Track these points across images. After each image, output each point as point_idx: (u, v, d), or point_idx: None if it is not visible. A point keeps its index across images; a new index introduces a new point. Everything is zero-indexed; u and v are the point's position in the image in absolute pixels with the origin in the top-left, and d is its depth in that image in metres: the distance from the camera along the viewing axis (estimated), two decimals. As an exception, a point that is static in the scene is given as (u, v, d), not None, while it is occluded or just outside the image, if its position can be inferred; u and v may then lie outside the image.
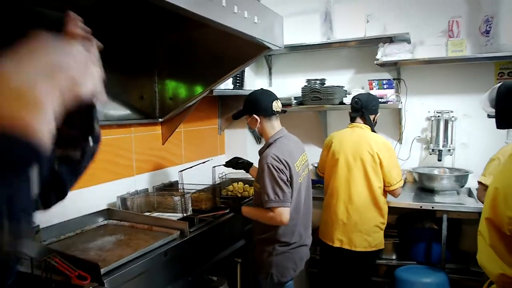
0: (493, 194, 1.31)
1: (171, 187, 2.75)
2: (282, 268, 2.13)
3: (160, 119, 2.76)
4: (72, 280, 1.37)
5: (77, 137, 0.93)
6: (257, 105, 2.16)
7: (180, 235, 2.01)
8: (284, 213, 2.00)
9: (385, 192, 2.56)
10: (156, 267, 1.82)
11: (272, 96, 2.19)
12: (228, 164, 2.57)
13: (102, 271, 1.52)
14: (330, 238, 2.55)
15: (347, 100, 3.07)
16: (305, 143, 3.23)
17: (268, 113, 2.15)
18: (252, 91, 2.27)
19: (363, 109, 2.57)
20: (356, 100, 2.60)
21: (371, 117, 2.60)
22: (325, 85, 3.27)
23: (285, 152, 2.08)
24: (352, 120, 2.64)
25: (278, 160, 2.01)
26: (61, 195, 0.99)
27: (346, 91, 3.27)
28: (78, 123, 0.90)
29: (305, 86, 3.29)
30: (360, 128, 2.58)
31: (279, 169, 2.00)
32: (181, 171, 2.63)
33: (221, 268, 2.30)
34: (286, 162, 2.04)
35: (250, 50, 2.37)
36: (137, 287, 1.72)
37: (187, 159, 3.10)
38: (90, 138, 0.94)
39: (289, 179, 2.04)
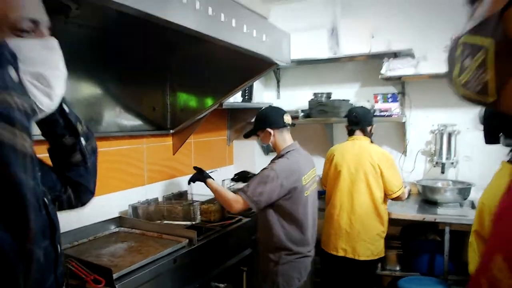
0: (480, 208, 1.40)
1: (180, 197, 2.84)
2: (287, 277, 2.19)
3: (171, 130, 2.86)
4: (88, 283, 1.46)
5: (68, 144, 1.04)
6: (269, 119, 2.27)
7: (188, 243, 2.09)
8: (241, 204, 2.09)
9: (385, 201, 2.66)
10: (165, 274, 1.90)
11: (281, 110, 2.32)
12: (238, 177, 2.65)
13: (115, 276, 1.61)
14: (334, 248, 2.62)
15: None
16: (312, 155, 3.31)
17: (280, 125, 2.25)
18: (261, 107, 2.40)
19: (362, 122, 2.69)
20: (355, 114, 2.72)
21: (368, 128, 2.73)
22: (331, 99, 3.35)
23: (294, 164, 2.18)
24: (351, 133, 2.75)
25: (284, 175, 2.09)
26: (88, 193, 1.09)
27: (352, 104, 3.34)
28: (61, 130, 1.00)
29: (312, 99, 3.38)
30: (360, 140, 2.69)
31: (279, 183, 2.07)
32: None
33: (227, 276, 2.37)
34: (292, 176, 2.12)
35: (259, 65, 2.47)
36: (148, 292, 1.80)
37: (196, 169, 3.19)
38: (81, 139, 1.03)
39: (283, 193, 2.11)
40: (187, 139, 2.93)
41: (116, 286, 1.59)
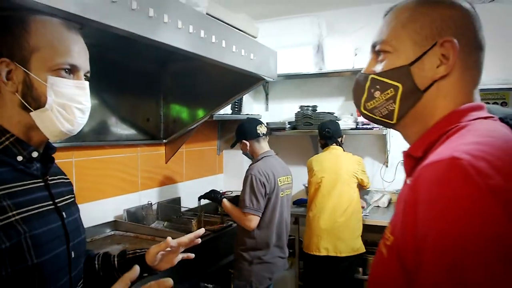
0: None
1: (173, 203, 3.00)
2: (260, 276, 2.38)
3: (164, 140, 3.02)
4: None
5: None
6: (244, 131, 2.53)
7: (179, 245, 2.24)
8: (253, 220, 2.32)
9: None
10: (157, 273, 2.04)
11: (255, 122, 2.59)
12: (204, 196, 2.73)
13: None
14: (316, 248, 2.82)
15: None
16: (297, 164, 3.50)
17: (254, 136, 2.50)
18: (244, 119, 2.61)
19: (335, 136, 3.00)
20: (327, 130, 3.00)
21: (339, 139, 3.04)
22: (316, 111, 3.54)
23: (270, 166, 2.42)
24: (325, 145, 3.04)
25: (261, 173, 2.34)
26: None
27: (337, 117, 3.53)
28: None
29: (298, 111, 3.56)
30: (336, 149, 3.00)
31: (260, 181, 2.31)
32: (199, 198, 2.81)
33: (216, 277, 2.53)
34: (268, 175, 2.36)
35: (247, 80, 2.63)
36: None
37: (188, 177, 3.36)
38: None
39: (267, 191, 2.35)
40: (179, 149, 3.09)
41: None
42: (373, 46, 0.83)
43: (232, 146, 2.72)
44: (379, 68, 0.80)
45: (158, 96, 3.02)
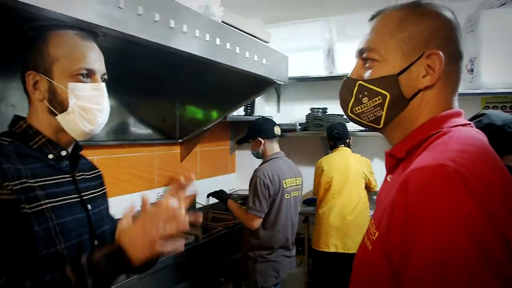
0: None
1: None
2: (265, 274, 2.43)
3: (179, 140, 3.16)
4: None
5: None
6: (261, 130, 2.59)
7: (194, 239, 2.37)
8: (255, 220, 2.40)
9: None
10: (173, 265, 2.18)
11: (273, 122, 2.65)
12: (212, 195, 2.87)
13: (132, 263, 1.89)
14: (326, 245, 2.94)
15: (348, 127, 3.45)
16: (307, 165, 3.61)
17: (270, 135, 2.57)
18: (256, 119, 2.69)
19: (343, 137, 3.12)
20: (336, 131, 3.13)
21: (348, 141, 3.16)
22: (326, 113, 3.65)
23: (276, 169, 2.47)
24: (334, 146, 3.15)
25: (265, 176, 2.40)
26: None
27: (346, 119, 3.62)
28: None
29: (309, 113, 3.67)
30: (344, 151, 3.11)
31: (264, 183, 2.37)
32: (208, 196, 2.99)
33: (228, 271, 2.65)
34: (273, 177, 2.41)
35: (260, 83, 2.74)
36: (159, 280, 2.08)
37: (201, 176, 3.49)
38: None
39: (271, 194, 2.39)
40: (193, 148, 3.23)
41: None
42: (360, 52, 0.87)
43: (239, 143, 2.76)
44: (367, 74, 0.84)
45: (174, 98, 3.15)
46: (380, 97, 0.82)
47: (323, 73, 3.60)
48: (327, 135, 3.20)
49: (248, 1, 3.27)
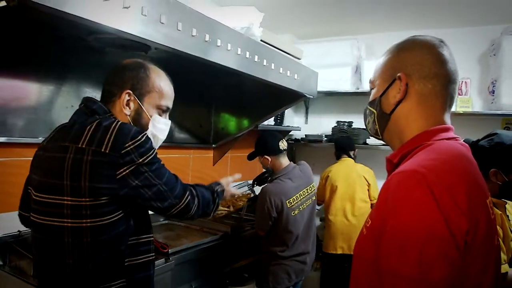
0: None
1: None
2: (277, 276, 2.52)
3: (213, 145, 3.41)
4: (158, 248, 2.00)
5: None
6: (267, 147, 2.60)
7: (224, 235, 2.59)
8: (259, 231, 2.56)
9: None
10: (204, 257, 2.39)
11: (278, 137, 2.62)
12: (257, 181, 3.03)
13: (170, 250, 2.13)
14: (333, 248, 3.23)
15: (370, 141, 3.63)
16: (331, 174, 3.79)
17: (277, 151, 2.58)
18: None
19: (345, 148, 3.48)
20: (339, 143, 3.56)
21: (351, 152, 3.47)
22: (352, 127, 3.83)
23: (280, 191, 2.48)
24: (339, 156, 3.47)
25: (267, 199, 2.43)
26: None
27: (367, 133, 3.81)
28: None
29: (335, 126, 3.87)
30: (347, 160, 3.44)
31: (265, 206, 2.43)
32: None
33: (253, 268, 2.85)
34: (275, 201, 2.44)
35: (290, 96, 2.95)
36: (191, 268, 2.31)
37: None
38: None
39: (272, 215, 2.44)
40: (225, 153, 3.47)
41: (170, 258, 2.11)
42: (369, 82, 1.12)
43: (250, 159, 2.78)
44: (370, 99, 1.09)
45: (210, 105, 3.41)
46: (373, 114, 1.07)
47: (350, 88, 3.80)
48: (334, 146, 3.56)
49: (283, 18, 3.51)
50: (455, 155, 0.89)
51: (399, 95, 0.98)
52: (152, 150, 1.27)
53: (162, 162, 1.34)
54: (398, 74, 0.97)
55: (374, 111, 1.05)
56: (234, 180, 1.96)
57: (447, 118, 0.99)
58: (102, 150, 1.17)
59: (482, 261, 0.83)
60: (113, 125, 1.22)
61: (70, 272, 1.20)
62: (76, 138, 1.20)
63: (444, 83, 0.96)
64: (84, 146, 1.18)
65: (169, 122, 1.46)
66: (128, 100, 1.34)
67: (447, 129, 0.96)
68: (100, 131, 1.20)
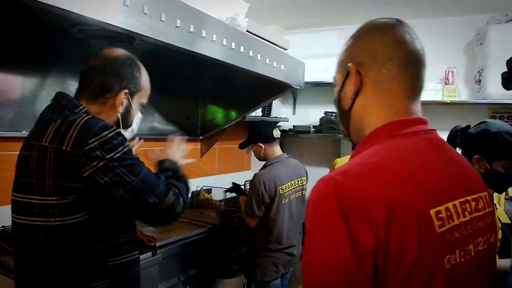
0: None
1: (209, 192, 3.36)
2: (264, 269, 2.54)
3: (200, 137, 3.39)
4: (145, 242, 1.99)
5: None
6: (260, 134, 2.60)
7: (212, 228, 2.59)
8: (250, 221, 2.54)
9: None
10: (192, 250, 2.39)
11: (271, 125, 2.66)
12: (231, 189, 3.01)
13: (157, 244, 2.12)
14: None
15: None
16: (319, 165, 3.81)
17: (270, 139, 2.60)
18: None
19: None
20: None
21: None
22: (339, 117, 3.83)
23: (273, 176, 2.50)
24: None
25: (261, 183, 2.44)
26: None
27: (358, 123, 3.82)
28: None
29: (323, 117, 3.86)
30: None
31: (259, 191, 2.42)
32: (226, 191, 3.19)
33: (241, 260, 2.85)
34: (269, 185, 2.45)
35: (277, 87, 2.94)
36: (179, 261, 2.31)
37: (219, 171, 3.72)
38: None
39: (265, 200, 2.44)
40: (213, 145, 3.46)
41: (158, 251, 2.10)
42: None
43: (242, 147, 2.77)
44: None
45: (197, 98, 3.38)
46: (338, 114, 1.00)
47: (337, 79, 3.79)
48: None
49: (269, 9, 3.48)
50: (395, 157, 0.79)
51: (353, 87, 0.88)
52: (123, 146, 1.22)
53: (140, 160, 1.28)
54: (348, 64, 0.89)
55: (338, 110, 0.98)
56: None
57: (414, 106, 0.87)
58: (63, 148, 1.14)
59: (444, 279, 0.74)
60: (77, 121, 1.18)
61: (45, 271, 1.19)
62: (41, 135, 1.18)
63: (400, 65, 0.84)
64: (46, 144, 1.16)
65: (140, 115, 1.53)
66: (123, 99, 1.36)
67: (409, 122, 0.85)
68: (63, 128, 1.17)
